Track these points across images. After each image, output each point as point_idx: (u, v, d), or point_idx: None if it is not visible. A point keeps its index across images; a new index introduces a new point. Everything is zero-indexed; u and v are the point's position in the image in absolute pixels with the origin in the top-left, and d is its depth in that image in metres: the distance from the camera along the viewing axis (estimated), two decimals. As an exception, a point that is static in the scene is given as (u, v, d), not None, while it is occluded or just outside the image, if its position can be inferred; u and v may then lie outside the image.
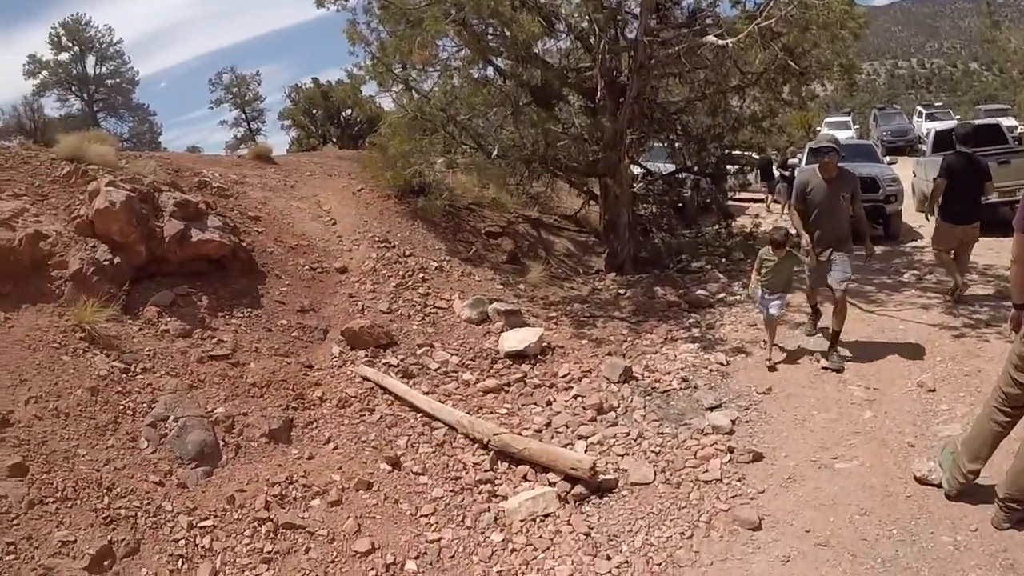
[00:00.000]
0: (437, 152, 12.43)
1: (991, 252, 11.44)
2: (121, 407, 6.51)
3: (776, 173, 19.48)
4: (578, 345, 9.37)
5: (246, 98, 49.22)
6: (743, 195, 19.73)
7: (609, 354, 8.95)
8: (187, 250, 8.69)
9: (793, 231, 8.41)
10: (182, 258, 8.67)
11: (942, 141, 15.44)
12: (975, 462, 5.06)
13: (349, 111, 30.05)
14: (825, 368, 7.93)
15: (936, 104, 43.81)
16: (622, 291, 11.88)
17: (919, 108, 40.29)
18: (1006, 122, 23.49)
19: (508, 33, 11.22)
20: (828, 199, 8.05)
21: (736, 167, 16.95)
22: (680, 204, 16.31)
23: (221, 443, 6.68)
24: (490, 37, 12.19)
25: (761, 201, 21.37)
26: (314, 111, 31.80)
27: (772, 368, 8.15)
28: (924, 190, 13.79)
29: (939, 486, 5.33)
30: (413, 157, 12.15)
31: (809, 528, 5.20)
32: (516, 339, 9.01)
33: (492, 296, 10.51)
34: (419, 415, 7.62)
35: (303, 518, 5.99)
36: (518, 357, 8.86)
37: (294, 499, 6.21)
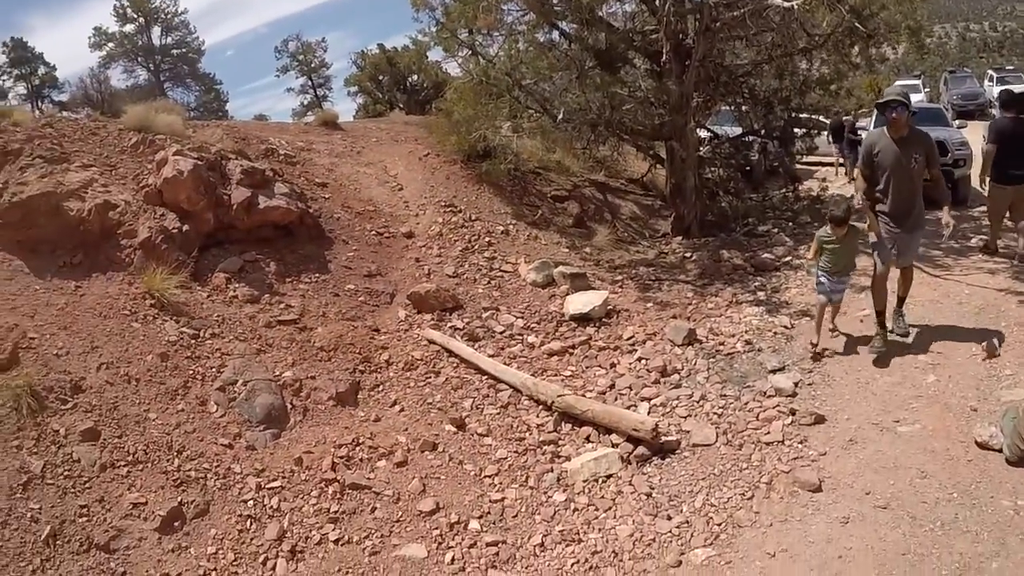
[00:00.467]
0: (503, 117, 12.50)
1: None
2: (191, 372, 6.81)
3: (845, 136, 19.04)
4: (643, 308, 9.45)
5: (312, 65, 49.35)
6: (811, 159, 19.37)
7: (674, 317, 9.04)
8: (254, 217, 8.94)
9: (854, 201, 7.80)
10: (250, 225, 8.93)
11: (1012, 106, 15.04)
12: (1036, 429, 5.05)
13: (415, 77, 30.12)
14: (890, 332, 7.84)
15: (1008, 68, 42.37)
16: (688, 254, 11.89)
17: (990, 72, 39.00)
18: None
19: (572, -4, 11.22)
20: (898, 162, 7.11)
21: (803, 131, 16.71)
22: (747, 168, 16.15)
23: (289, 406, 6.95)
24: (554, 1, 12.16)
25: (830, 165, 20.94)
26: (380, 77, 31.86)
27: (817, 356, 7.69)
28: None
29: (1000, 451, 5.33)
30: (478, 122, 12.26)
31: (869, 490, 5.26)
32: (581, 302, 9.13)
33: (558, 260, 10.64)
34: (484, 377, 7.82)
35: (369, 479, 6.23)
36: (583, 320, 8.98)
37: (360, 460, 6.45)
